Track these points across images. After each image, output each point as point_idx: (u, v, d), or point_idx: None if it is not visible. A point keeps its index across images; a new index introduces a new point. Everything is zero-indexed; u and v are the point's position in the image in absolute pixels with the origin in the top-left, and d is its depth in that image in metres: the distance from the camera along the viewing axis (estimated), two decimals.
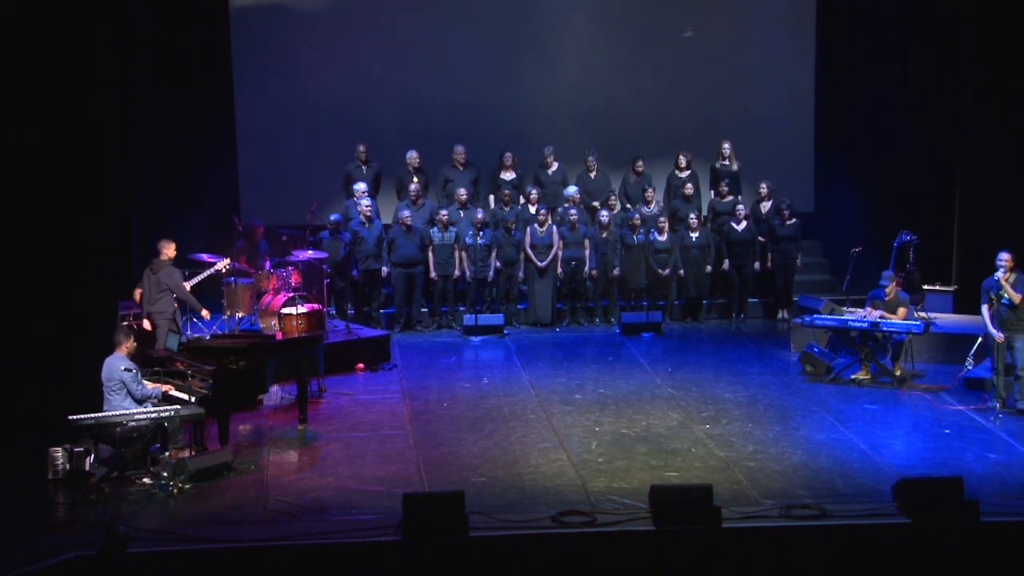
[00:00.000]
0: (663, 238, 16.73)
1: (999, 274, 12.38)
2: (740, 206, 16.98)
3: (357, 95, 17.87)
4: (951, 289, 15.97)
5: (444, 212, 16.42)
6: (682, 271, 16.85)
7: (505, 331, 16.17)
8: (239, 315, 14.92)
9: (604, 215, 16.67)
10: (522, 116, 18.06)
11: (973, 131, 15.96)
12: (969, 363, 12.79)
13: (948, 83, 16.37)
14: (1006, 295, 12.29)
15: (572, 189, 16.97)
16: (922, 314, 14.57)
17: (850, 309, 14.80)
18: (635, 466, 11.02)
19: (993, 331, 12.43)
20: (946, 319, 15.08)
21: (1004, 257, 12.40)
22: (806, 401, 13.01)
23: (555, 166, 17.38)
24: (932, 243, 16.07)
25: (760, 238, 17.04)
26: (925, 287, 15.77)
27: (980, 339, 12.66)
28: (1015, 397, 12.39)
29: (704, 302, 17.13)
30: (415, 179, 16.86)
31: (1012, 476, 10.71)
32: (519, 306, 16.77)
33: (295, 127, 17.74)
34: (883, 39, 17.53)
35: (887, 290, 13.73)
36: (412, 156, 17.02)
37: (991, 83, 15.49)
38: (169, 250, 13.19)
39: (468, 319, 16.16)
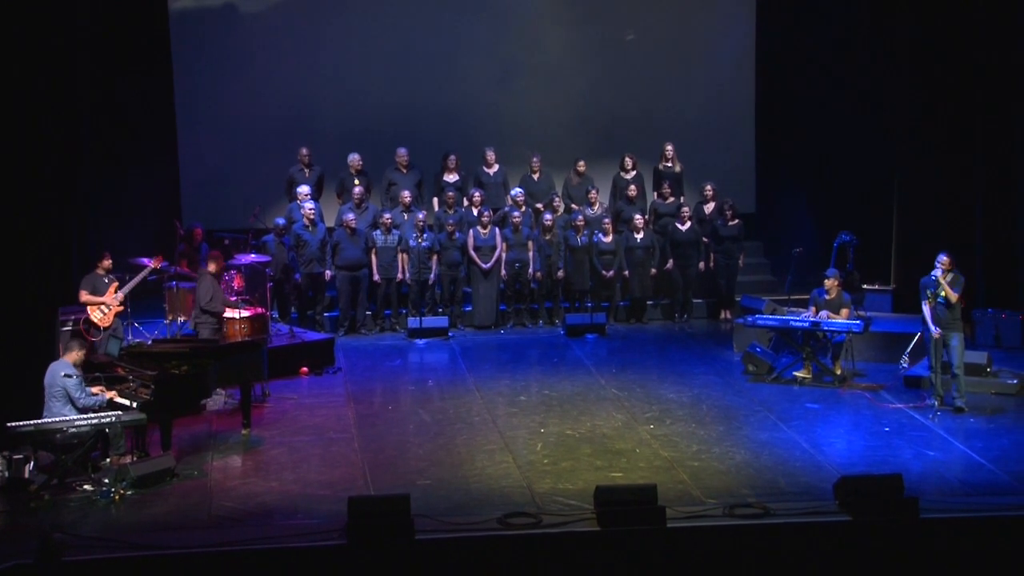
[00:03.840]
0: (608, 239, 16.80)
1: (937, 272, 12.56)
2: (684, 207, 17.09)
3: (299, 98, 17.81)
4: (890, 288, 16.20)
5: (387, 215, 16.39)
6: (626, 272, 16.93)
7: (450, 333, 16.16)
8: (181, 319, 14.81)
9: (548, 217, 16.72)
10: (465, 118, 18.07)
11: (911, 133, 16.17)
12: (904, 361, 12.96)
13: (887, 85, 16.57)
14: (943, 294, 12.48)
15: (516, 191, 17.01)
16: (861, 313, 14.74)
17: (792, 309, 14.96)
18: (580, 467, 11.06)
19: (932, 328, 12.62)
20: (885, 318, 15.27)
21: (942, 259, 12.58)
22: (749, 401, 13.13)
23: (496, 167, 17.40)
24: (871, 243, 16.28)
25: (704, 239, 17.15)
26: (864, 287, 15.99)
27: (916, 337, 12.83)
28: (953, 395, 12.58)
29: (648, 303, 17.22)
30: (358, 182, 16.82)
31: (950, 473, 10.88)
32: (464, 308, 16.77)
33: (237, 130, 17.65)
34: (822, 41, 17.72)
35: (828, 288, 13.89)
36: (354, 159, 16.99)
37: (929, 85, 15.69)
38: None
39: (412, 322, 16.14)
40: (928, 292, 12.58)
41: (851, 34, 17.25)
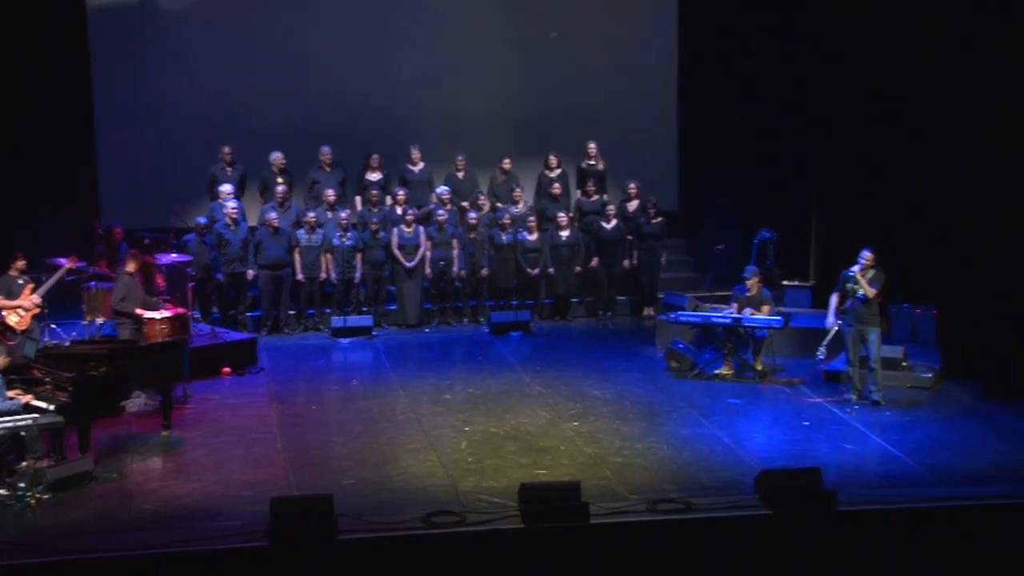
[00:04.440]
0: (533, 237, 16.85)
1: (856, 268, 12.74)
2: (610, 206, 17.17)
3: (221, 96, 17.64)
4: (809, 285, 16.40)
5: (311, 214, 16.30)
6: (551, 270, 16.98)
7: (374, 332, 16.11)
8: (100, 320, 14.61)
9: (472, 215, 16.72)
10: (390, 116, 18.02)
11: (830, 131, 16.37)
12: (821, 352, 13.12)
13: (808, 84, 16.76)
14: (861, 290, 12.68)
15: (441, 188, 16.98)
16: (782, 309, 14.91)
17: (714, 305, 15.10)
18: (505, 465, 11.08)
19: (831, 319, 12.83)
20: (805, 314, 15.46)
21: (866, 255, 12.76)
22: (671, 397, 13.23)
23: (421, 165, 17.38)
24: (791, 240, 16.48)
25: (629, 237, 17.24)
26: (784, 283, 16.18)
27: (831, 332, 13.00)
28: (870, 389, 12.78)
29: (573, 300, 17.28)
30: (281, 180, 16.71)
31: (867, 466, 11.06)
32: (388, 307, 16.71)
33: (157, 128, 17.43)
34: (744, 39, 17.90)
35: (749, 285, 14.05)
36: (277, 157, 16.88)
37: (847, 85, 15.90)
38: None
39: (336, 321, 16.07)
40: (846, 286, 12.78)
41: (773, 33, 17.42)
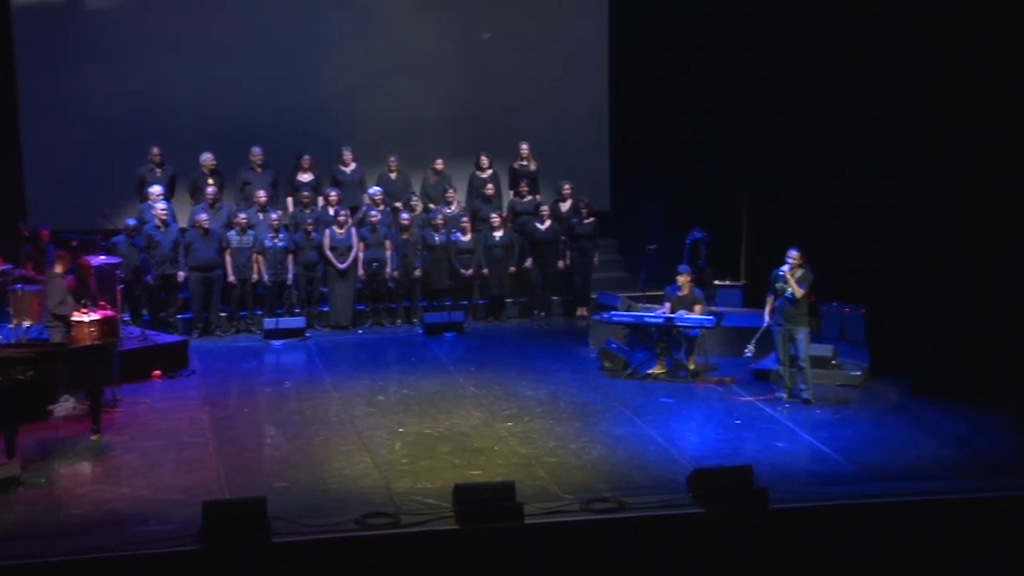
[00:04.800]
0: (466, 238, 16.85)
1: (786, 268, 12.89)
2: (544, 206, 17.21)
3: (150, 96, 17.45)
4: (740, 284, 16.56)
5: (242, 215, 16.18)
6: (485, 270, 16.99)
7: (306, 334, 16.02)
8: (27, 323, 14.39)
9: (405, 216, 16.69)
10: (321, 117, 17.92)
11: (760, 132, 16.52)
12: (749, 350, 13.25)
13: (737, 85, 16.91)
14: (790, 289, 12.82)
15: (374, 189, 16.93)
16: (714, 308, 15.04)
17: (646, 305, 15.19)
18: (439, 466, 11.07)
19: (767, 318, 12.98)
20: (737, 313, 15.61)
21: (793, 254, 12.91)
22: (605, 396, 13.28)
23: (353, 165, 17.32)
24: (722, 240, 16.62)
25: (562, 237, 17.29)
26: (716, 282, 16.32)
27: (760, 330, 13.14)
28: (800, 387, 12.92)
29: (507, 301, 17.30)
30: (211, 181, 16.57)
31: (798, 463, 11.19)
32: (320, 308, 16.63)
33: (85, 128, 17.22)
34: (675, 41, 18.01)
35: (681, 285, 14.15)
36: (207, 158, 16.74)
37: (776, 85, 16.06)
38: None
39: (268, 323, 15.96)
40: (776, 286, 12.93)
41: (703, 34, 17.56)
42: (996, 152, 12.71)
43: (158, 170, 16.65)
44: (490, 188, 17.47)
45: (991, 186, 12.77)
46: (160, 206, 15.91)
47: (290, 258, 16.24)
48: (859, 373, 13.63)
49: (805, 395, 12.87)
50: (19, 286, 14.48)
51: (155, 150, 16.63)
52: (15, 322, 14.46)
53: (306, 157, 17.10)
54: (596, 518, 9.70)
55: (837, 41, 14.79)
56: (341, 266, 16.35)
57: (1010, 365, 12.77)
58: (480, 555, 9.47)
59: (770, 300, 13.06)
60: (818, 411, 12.67)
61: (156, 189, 16.16)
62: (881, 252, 14.09)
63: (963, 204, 12.90)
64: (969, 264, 12.93)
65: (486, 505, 9.52)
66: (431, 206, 17.33)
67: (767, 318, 13.05)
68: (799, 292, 12.78)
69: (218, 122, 17.48)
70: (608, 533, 9.67)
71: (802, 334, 12.87)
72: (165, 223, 15.83)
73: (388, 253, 16.55)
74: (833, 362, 13.78)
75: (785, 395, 12.95)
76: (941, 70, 12.90)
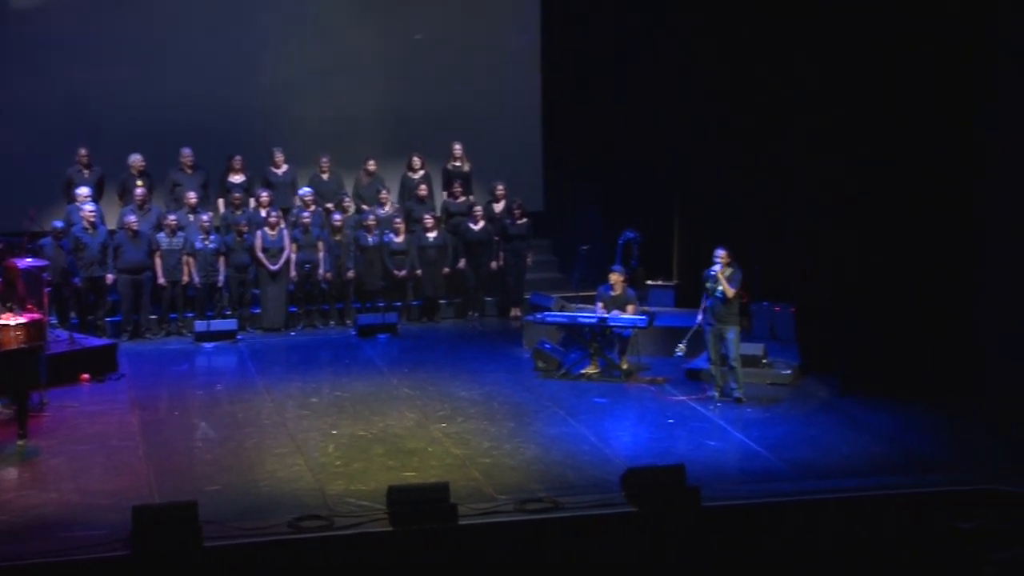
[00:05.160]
0: (399, 239, 16.80)
1: (717, 267, 13.00)
2: (477, 207, 17.22)
3: (77, 96, 17.20)
4: (672, 284, 16.66)
5: (172, 217, 16.03)
6: (419, 271, 16.96)
7: (238, 336, 15.90)
8: None
9: (337, 217, 16.62)
10: (252, 118, 17.75)
11: (692, 132, 16.63)
12: (679, 350, 13.33)
13: (669, 85, 17.01)
14: (721, 288, 12.93)
15: (304, 190, 16.85)
16: (646, 308, 15.12)
17: (580, 305, 15.24)
18: (373, 467, 11.04)
19: (700, 317, 13.07)
20: (669, 313, 15.70)
21: (720, 254, 13.03)
22: (539, 397, 13.31)
23: (285, 167, 17.22)
24: (655, 240, 16.70)
25: (495, 238, 17.30)
26: (648, 282, 16.40)
27: (692, 329, 13.24)
28: (731, 386, 13.04)
29: (441, 302, 17.28)
30: (140, 183, 16.39)
31: (729, 461, 11.30)
32: (252, 310, 16.52)
33: (9, 129, 16.90)
34: (608, 40, 18.10)
35: (614, 285, 14.21)
36: (135, 159, 16.55)
37: (709, 85, 16.17)
38: None
39: (199, 325, 15.82)
40: (706, 285, 13.03)
41: (636, 34, 17.64)
42: (926, 153, 12.89)
43: (86, 171, 16.45)
44: (423, 189, 17.45)
45: (920, 186, 12.94)
46: (88, 208, 15.71)
47: (221, 260, 16.10)
48: (789, 372, 13.77)
49: (736, 394, 12.98)
50: None
51: (83, 151, 16.43)
52: None
53: (237, 158, 16.97)
54: (530, 518, 9.72)
55: (769, 40, 14.92)
56: (273, 268, 16.25)
57: (937, 364, 12.95)
58: (414, 557, 9.46)
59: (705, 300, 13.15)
60: (749, 409, 12.79)
61: (84, 191, 15.96)
62: (810, 251, 14.24)
63: (891, 203, 13.06)
64: (897, 263, 13.09)
65: (420, 506, 9.52)
66: (364, 207, 17.27)
67: (700, 317, 13.15)
68: (730, 291, 12.89)
69: (147, 123, 17.26)
70: (542, 533, 9.69)
71: (732, 333, 12.99)
72: (93, 225, 15.65)
73: (321, 254, 16.47)
74: (764, 361, 13.90)
75: (717, 394, 13.06)
76: (871, 72, 13.05)
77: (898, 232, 13.07)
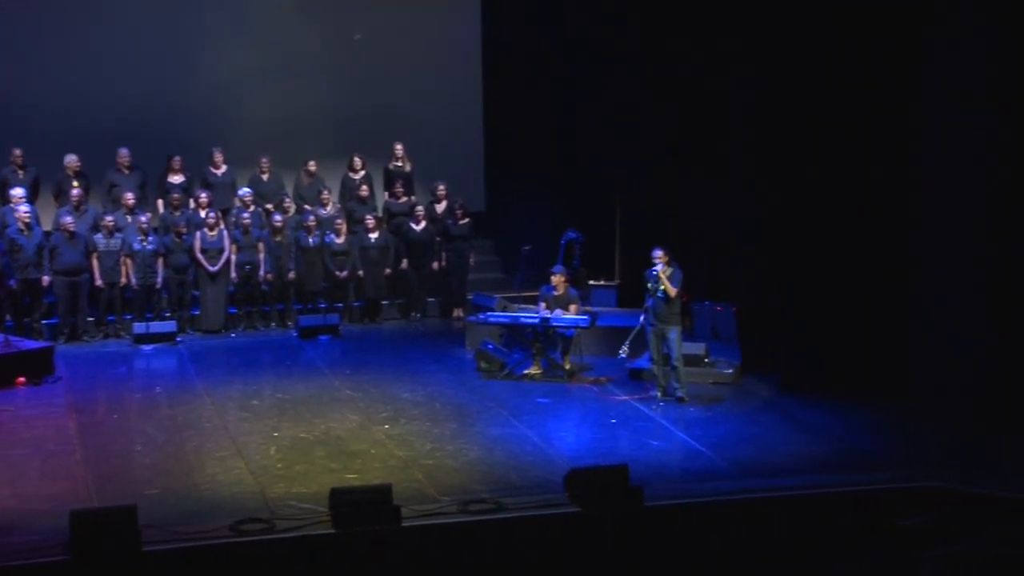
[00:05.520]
0: (340, 240, 16.74)
1: (659, 267, 13.02)
2: (419, 207, 17.18)
3: (10, 95, 16.98)
4: (614, 284, 16.72)
5: (109, 218, 15.86)
6: (361, 272, 16.90)
7: (178, 338, 15.77)
8: None
9: (277, 218, 16.53)
10: (191, 118, 17.62)
11: (632, 131, 16.70)
12: (623, 351, 13.38)
13: (609, 85, 17.07)
14: (662, 288, 12.96)
15: (244, 191, 16.73)
16: (588, 308, 15.15)
17: (522, 306, 15.25)
18: (314, 470, 10.98)
19: (642, 316, 13.11)
20: (611, 312, 15.75)
21: (658, 254, 13.04)
22: (482, 398, 13.31)
23: (224, 167, 17.11)
24: (597, 240, 16.76)
25: (437, 238, 17.28)
26: (591, 282, 16.45)
27: (636, 329, 13.28)
28: (674, 385, 13.09)
29: (383, 303, 17.24)
30: (76, 184, 16.20)
31: (672, 461, 11.33)
32: (192, 312, 16.38)
33: None
34: (549, 40, 18.13)
35: (556, 285, 14.22)
36: (71, 160, 16.36)
37: (651, 84, 16.24)
38: None
39: (138, 327, 15.67)
40: (647, 285, 13.05)
41: (576, 34, 17.69)
42: (865, 153, 13.01)
43: (20, 172, 16.24)
44: (364, 189, 17.40)
45: (859, 186, 13.06)
46: (23, 209, 15.51)
47: (160, 261, 15.97)
48: (731, 371, 13.86)
49: (679, 393, 13.04)
50: None
51: (17, 151, 16.24)
52: None
53: (177, 158, 16.83)
54: (473, 519, 9.68)
55: (711, 40, 15.01)
56: (212, 269, 16.13)
57: (876, 363, 13.08)
58: (357, 559, 9.41)
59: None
60: (692, 409, 12.85)
61: (18, 192, 15.75)
62: (752, 251, 14.35)
63: (830, 203, 13.17)
64: (837, 263, 13.21)
65: (363, 508, 9.45)
66: (304, 208, 17.20)
67: (642, 318, 13.18)
68: (672, 291, 12.92)
69: (83, 123, 17.09)
70: (486, 534, 9.66)
71: (674, 333, 13.04)
72: (28, 226, 15.45)
73: (261, 255, 16.38)
74: (706, 360, 13.98)
75: (659, 394, 13.11)
76: (813, 73, 13.15)
77: (838, 232, 13.18)
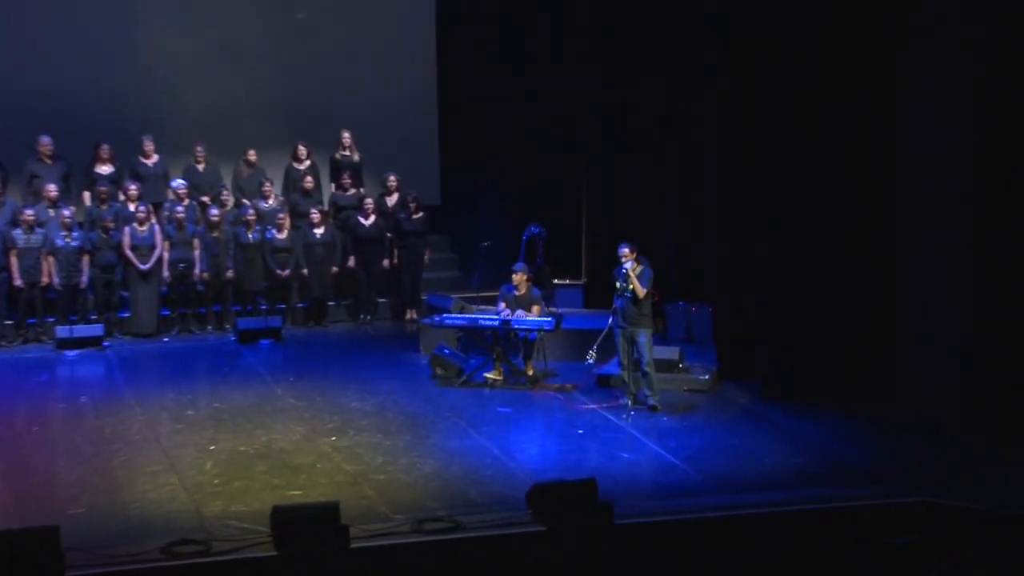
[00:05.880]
0: (282, 236, 16.66)
1: (628, 264, 12.92)
2: (368, 200, 17.11)
3: None
4: (581, 283, 16.70)
5: (30, 212, 15.70)
6: (305, 271, 16.81)
7: (105, 343, 15.66)
8: None
9: (214, 212, 16.40)
10: (120, 103, 17.51)
11: (600, 123, 16.69)
12: (591, 357, 13.33)
13: (574, 74, 17.06)
14: (631, 287, 12.86)
15: (177, 182, 16.59)
16: (553, 309, 15.12)
17: (481, 307, 15.21)
18: (255, 486, 10.91)
19: (610, 318, 13.08)
20: (578, 314, 15.72)
21: (624, 251, 12.93)
22: (437, 407, 13.27)
23: (156, 157, 16.96)
24: (562, 236, 16.74)
25: (388, 234, 17.21)
26: (555, 281, 16.41)
27: (604, 332, 13.24)
28: (645, 393, 13.05)
29: (329, 304, 17.17)
30: None
31: (644, 474, 11.33)
32: (120, 315, 16.24)
33: None
34: (507, 27, 18.11)
35: (517, 284, 14.17)
36: None
37: (618, 75, 16.24)
38: None
39: (61, 331, 15.55)
40: (616, 284, 12.98)
41: (539, 17, 17.68)
42: (848, 148, 13.07)
43: None
44: (309, 181, 17.30)
45: (841, 184, 13.12)
46: None
47: (85, 259, 15.84)
48: (707, 377, 13.85)
49: (651, 401, 13.01)
50: None
51: None
52: None
53: (105, 147, 16.69)
54: (429, 539, 9.64)
55: (680, 28, 15.02)
56: (143, 267, 16.02)
57: (861, 368, 13.12)
58: None
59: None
60: (665, 418, 12.84)
61: None
62: (728, 247, 14.31)
63: (810, 201, 13.21)
64: (819, 261, 13.25)
65: (308, 528, 9.39)
66: (244, 201, 17.09)
67: (611, 319, 13.12)
68: (641, 290, 12.86)
69: (1, 108, 16.87)
70: (442, 556, 9.62)
71: (644, 336, 12.98)
72: None
73: (196, 252, 16.28)
74: (680, 365, 13.97)
75: (630, 402, 13.07)
76: (791, 60, 13.18)
77: (820, 227, 13.22)
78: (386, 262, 17.25)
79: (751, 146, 13.63)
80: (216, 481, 11.05)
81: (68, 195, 16.52)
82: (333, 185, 17.71)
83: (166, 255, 16.16)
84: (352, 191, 17.43)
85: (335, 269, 17.05)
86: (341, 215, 17.35)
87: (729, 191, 14.05)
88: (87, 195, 16.68)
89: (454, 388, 13.95)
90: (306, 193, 17.28)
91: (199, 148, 17.21)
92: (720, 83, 14.00)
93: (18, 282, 15.64)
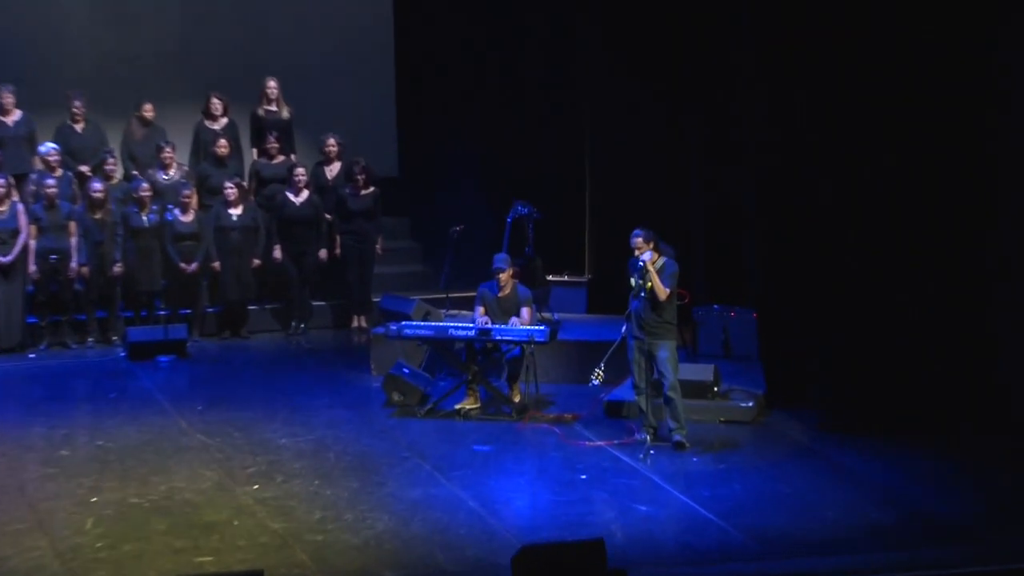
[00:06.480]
0: (188, 218, 16.68)
1: (647, 256, 12.86)
2: (299, 169, 17.12)
3: None
4: (584, 280, 16.70)
5: None
6: (217, 264, 16.85)
7: None
8: None
9: (98, 186, 16.39)
10: None
11: (607, 86, 16.71)
12: (597, 377, 13.34)
13: (578, 25, 17.15)
14: (649, 286, 12.78)
15: (47, 147, 16.58)
16: (547, 315, 15.11)
17: (452, 312, 15.21)
18: (151, 550, 10.86)
19: (623, 326, 13.11)
20: (579, 321, 15.73)
21: (637, 239, 12.79)
22: (394, 444, 13.31)
23: (18, 113, 17.01)
24: (559, 221, 16.76)
25: (327, 215, 17.21)
26: (550, 278, 16.39)
27: (614, 345, 13.24)
28: (669, 426, 13.03)
29: (250, 307, 17.21)
30: None
31: (667, 533, 11.29)
32: None
33: None
34: None
35: (501, 282, 14.16)
36: None
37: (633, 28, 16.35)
38: None
39: None
40: (631, 281, 12.93)
41: None
42: (933, 132, 13.11)
43: None
44: (223, 145, 17.31)
45: (921, 153, 13.15)
46: None
47: None
48: (751, 404, 13.88)
49: (676, 436, 13.01)
50: None
51: None
52: None
53: None
54: None
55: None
56: (3, 259, 16.05)
57: (947, 393, 13.14)
58: None
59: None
60: (695, 459, 12.86)
61: None
62: (775, 237, 14.32)
63: (886, 187, 13.23)
64: (893, 255, 13.28)
65: None
66: (134, 173, 17.08)
67: (624, 328, 13.14)
68: (663, 291, 12.83)
69: None
70: None
71: (666, 351, 12.95)
72: None
73: (73, 240, 16.32)
74: (715, 389, 13.99)
75: (648, 437, 13.07)
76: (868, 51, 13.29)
77: (892, 213, 13.24)
78: (324, 252, 17.27)
79: (809, 94, 13.66)
80: (99, 544, 10.99)
81: None
82: (255, 151, 17.72)
83: (33, 244, 16.21)
84: (280, 158, 17.45)
85: (257, 262, 17.11)
86: (266, 190, 17.37)
87: (772, 164, 14.03)
88: None
89: (416, 419, 13.99)
90: (220, 161, 17.28)
91: (76, 102, 17.25)
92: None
93: None
